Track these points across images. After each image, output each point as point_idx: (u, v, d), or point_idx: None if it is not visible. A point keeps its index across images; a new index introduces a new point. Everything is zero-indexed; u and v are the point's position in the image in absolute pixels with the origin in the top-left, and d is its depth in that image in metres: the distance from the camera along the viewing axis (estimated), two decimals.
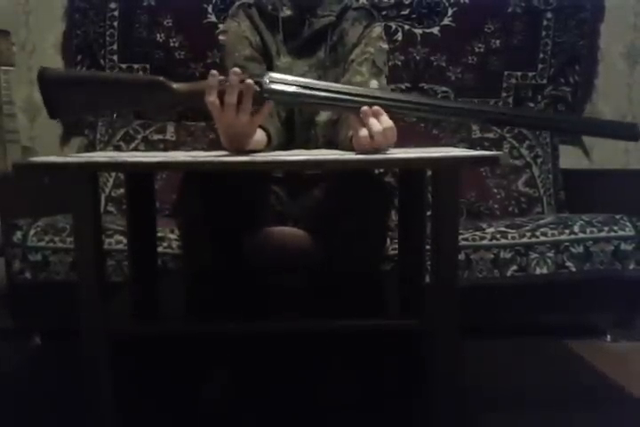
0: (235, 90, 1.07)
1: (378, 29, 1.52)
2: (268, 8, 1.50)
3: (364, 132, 1.09)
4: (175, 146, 2.16)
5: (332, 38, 1.51)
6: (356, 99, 1.11)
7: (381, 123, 1.09)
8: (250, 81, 1.07)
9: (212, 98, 1.08)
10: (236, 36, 1.50)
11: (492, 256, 1.74)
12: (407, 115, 1.19)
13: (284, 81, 1.12)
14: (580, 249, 1.77)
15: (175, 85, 1.12)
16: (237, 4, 1.55)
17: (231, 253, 1.36)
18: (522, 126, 1.94)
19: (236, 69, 1.08)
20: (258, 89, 1.09)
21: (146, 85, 1.12)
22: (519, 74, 2.33)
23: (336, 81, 1.48)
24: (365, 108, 1.09)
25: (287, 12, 1.49)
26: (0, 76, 2.12)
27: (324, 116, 1.50)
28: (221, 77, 1.08)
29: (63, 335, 1.42)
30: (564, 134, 2.29)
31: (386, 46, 1.53)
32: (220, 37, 1.55)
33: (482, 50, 2.30)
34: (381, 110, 1.10)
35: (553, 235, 1.77)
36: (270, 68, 1.50)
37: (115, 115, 2.19)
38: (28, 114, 2.35)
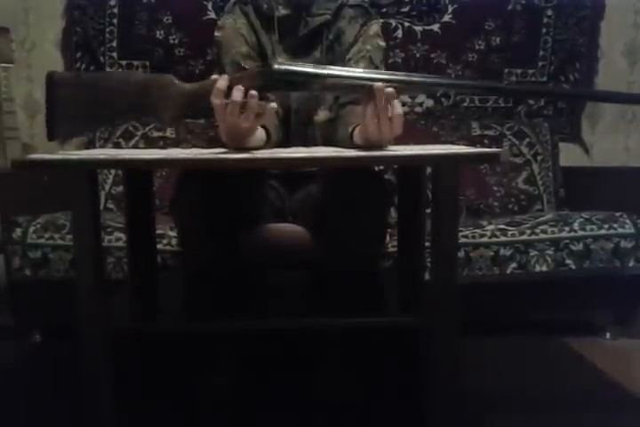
0: (242, 87, 1.05)
1: (375, 27, 1.51)
2: (264, 7, 1.49)
3: (371, 119, 1.08)
4: (175, 143, 2.16)
5: (328, 37, 1.50)
6: (365, 75, 1.10)
7: (393, 108, 1.06)
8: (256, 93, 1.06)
9: (218, 99, 1.06)
10: (233, 32, 1.49)
11: (492, 254, 1.74)
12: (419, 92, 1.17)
13: (292, 64, 1.12)
14: (580, 247, 1.77)
15: (185, 85, 1.13)
16: (233, 0, 1.54)
17: (230, 249, 1.36)
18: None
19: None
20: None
21: (156, 82, 1.13)
22: (519, 71, 2.33)
23: None
24: (379, 84, 1.06)
25: (282, 11, 1.48)
26: None
27: (322, 115, 1.50)
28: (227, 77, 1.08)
29: (63, 332, 1.42)
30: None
31: (383, 44, 1.51)
32: (216, 33, 1.51)
33: (482, 47, 2.30)
34: (394, 94, 1.06)
35: (553, 232, 1.77)
36: None
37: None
38: (27, 111, 2.34)
